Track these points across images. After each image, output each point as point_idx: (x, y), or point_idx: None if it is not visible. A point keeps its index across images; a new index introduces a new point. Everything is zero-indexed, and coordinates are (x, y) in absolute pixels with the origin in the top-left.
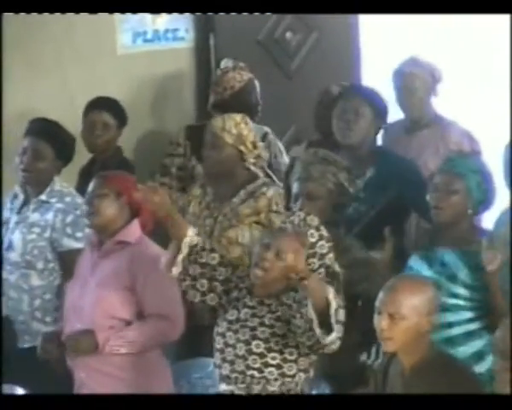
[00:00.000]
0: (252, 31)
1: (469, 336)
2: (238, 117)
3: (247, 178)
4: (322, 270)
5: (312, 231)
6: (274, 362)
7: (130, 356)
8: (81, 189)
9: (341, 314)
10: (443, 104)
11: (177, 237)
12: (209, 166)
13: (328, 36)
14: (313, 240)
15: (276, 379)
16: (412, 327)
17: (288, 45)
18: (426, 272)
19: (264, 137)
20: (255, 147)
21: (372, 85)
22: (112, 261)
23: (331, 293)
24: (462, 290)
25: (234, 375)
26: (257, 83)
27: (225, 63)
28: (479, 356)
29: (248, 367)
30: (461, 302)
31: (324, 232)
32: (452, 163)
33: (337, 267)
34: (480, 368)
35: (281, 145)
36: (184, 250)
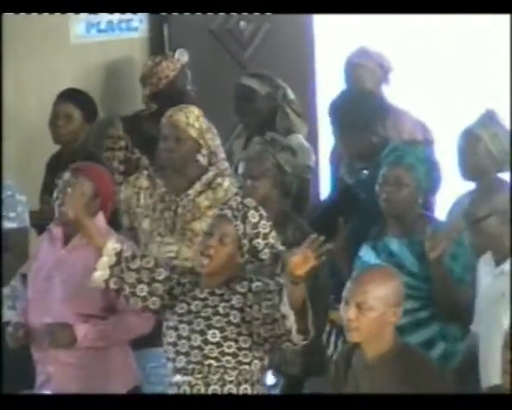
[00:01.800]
0: (205, 21)
1: (418, 325)
2: (196, 110)
3: (199, 170)
4: (267, 250)
5: (252, 211)
6: (230, 350)
7: (98, 349)
8: (49, 179)
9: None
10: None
11: (96, 244)
12: (168, 158)
13: (281, 26)
14: (255, 220)
15: (233, 368)
16: (378, 318)
17: (242, 35)
18: (374, 261)
19: None
20: (209, 138)
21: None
22: (80, 257)
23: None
24: (409, 279)
25: (190, 366)
26: (188, 71)
27: (179, 53)
28: (428, 345)
29: (205, 357)
30: (408, 292)
31: (263, 212)
32: (399, 153)
33: (280, 246)
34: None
35: (214, 128)
36: (112, 259)
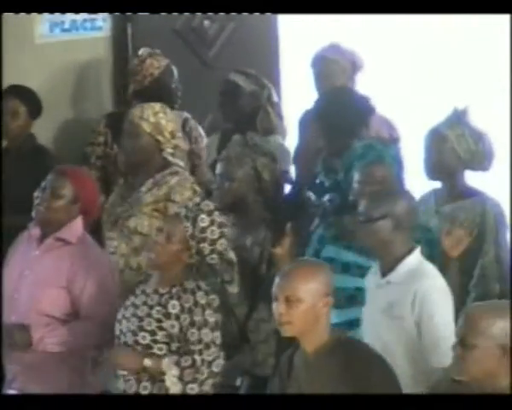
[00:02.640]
0: (169, 20)
1: None
2: (157, 106)
3: (162, 168)
4: (214, 256)
5: (203, 216)
6: (161, 352)
7: (64, 353)
8: None
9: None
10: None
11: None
12: (126, 154)
13: (245, 25)
14: (204, 225)
15: None
16: (309, 309)
17: (206, 34)
18: (363, 262)
19: (184, 123)
20: (173, 137)
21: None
22: (52, 259)
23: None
24: None
25: None
26: (174, 68)
27: (143, 52)
28: None
29: None
30: None
31: (217, 218)
32: (378, 153)
33: (231, 255)
34: None
35: (201, 130)
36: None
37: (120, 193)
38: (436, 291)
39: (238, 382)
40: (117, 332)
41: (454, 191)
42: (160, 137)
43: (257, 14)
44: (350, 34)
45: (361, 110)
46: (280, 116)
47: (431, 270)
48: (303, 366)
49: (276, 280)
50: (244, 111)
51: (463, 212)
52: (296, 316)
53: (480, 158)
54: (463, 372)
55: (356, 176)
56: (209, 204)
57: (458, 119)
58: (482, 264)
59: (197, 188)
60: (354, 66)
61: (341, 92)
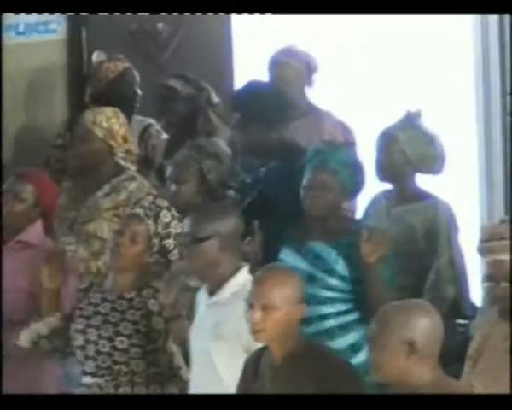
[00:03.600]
0: (123, 22)
1: (345, 328)
2: (109, 111)
3: (114, 172)
4: (176, 251)
5: (165, 211)
6: (138, 355)
7: (35, 356)
8: None
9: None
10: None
11: None
12: (78, 158)
13: (199, 27)
14: (167, 220)
15: (143, 371)
16: (284, 316)
17: (160, 36)
18: (300, 264)
19: (145, 129)
20: (125, 141)
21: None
22: (12, 262)
23: None
24: (338, 283)
25: (100, 371)
26: (136, 74)
27: (97, 55)
28: (355, 348)
29: (115, 363)
30: (337, 295)
31: (175, 212)
32: (323, 157)
33: None
34: (356, 360)
35: (163, 138)
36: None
37: (71, 196)
38: None
39: None
40: (80, 342)
41: (405, 194)
42: (112, 142)
43: (210, 14)
44: (305, 35)
45: (277, 105)
46: (223, 118)
47: None
48: (269, 370)
49: (250, 288)
50: (182, 115)
51: (414, 215)
52: (270, 324)
53: (431, 161)
54: (376, 373)
55: (303, 180)
56: (164, 201)
57: (411, 121)
58: (437, 267)
59: (154, 192)
60: (309, 68)
61: (258, 85)
